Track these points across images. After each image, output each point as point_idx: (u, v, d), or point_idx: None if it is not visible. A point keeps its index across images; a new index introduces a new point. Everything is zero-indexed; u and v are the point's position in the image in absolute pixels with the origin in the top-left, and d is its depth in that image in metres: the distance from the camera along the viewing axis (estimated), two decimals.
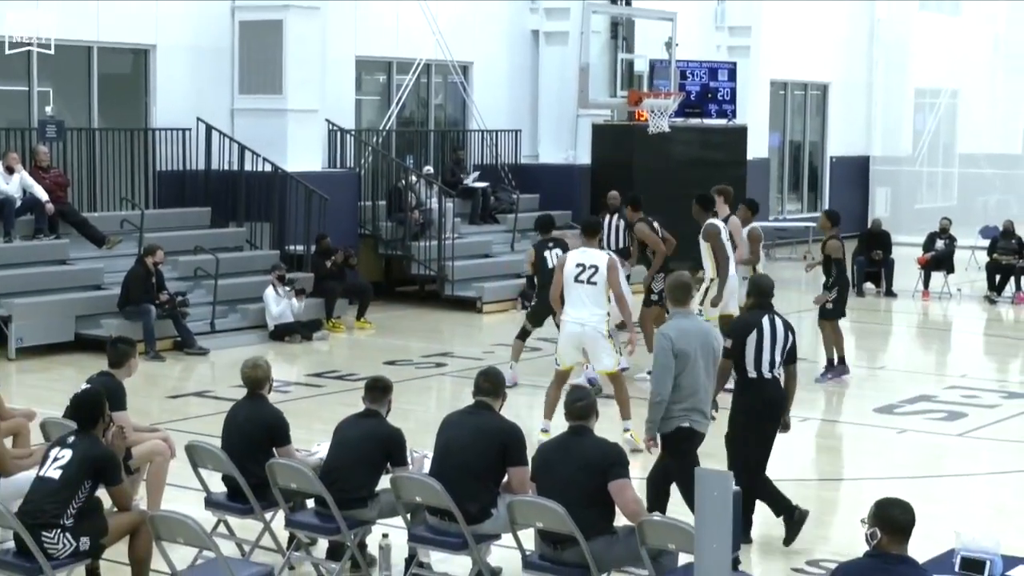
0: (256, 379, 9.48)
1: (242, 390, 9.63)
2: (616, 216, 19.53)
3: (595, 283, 12.95)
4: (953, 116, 36.40)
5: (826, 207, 30.05)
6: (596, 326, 12.96)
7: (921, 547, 6.91)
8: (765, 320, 10.05)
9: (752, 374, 10.00)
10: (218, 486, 9.54)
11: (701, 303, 14.85)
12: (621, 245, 19.48)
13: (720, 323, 14.54)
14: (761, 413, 10.03)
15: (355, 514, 8.92)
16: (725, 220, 16.10)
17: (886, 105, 35.55)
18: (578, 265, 13.03)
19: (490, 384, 8.94)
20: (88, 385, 9.53)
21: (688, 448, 9.78)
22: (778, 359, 10.03)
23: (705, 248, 15.41)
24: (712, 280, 15.38)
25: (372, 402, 9.25)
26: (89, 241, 18.83)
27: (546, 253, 15.57)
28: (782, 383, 10.18)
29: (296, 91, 21.22)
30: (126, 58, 21.42)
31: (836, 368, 16.81)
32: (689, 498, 9.08)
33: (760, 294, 10.28)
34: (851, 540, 8.98)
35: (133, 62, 21.35)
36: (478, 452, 8.61)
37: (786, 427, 10.24)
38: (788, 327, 10.16)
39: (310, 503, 9.28)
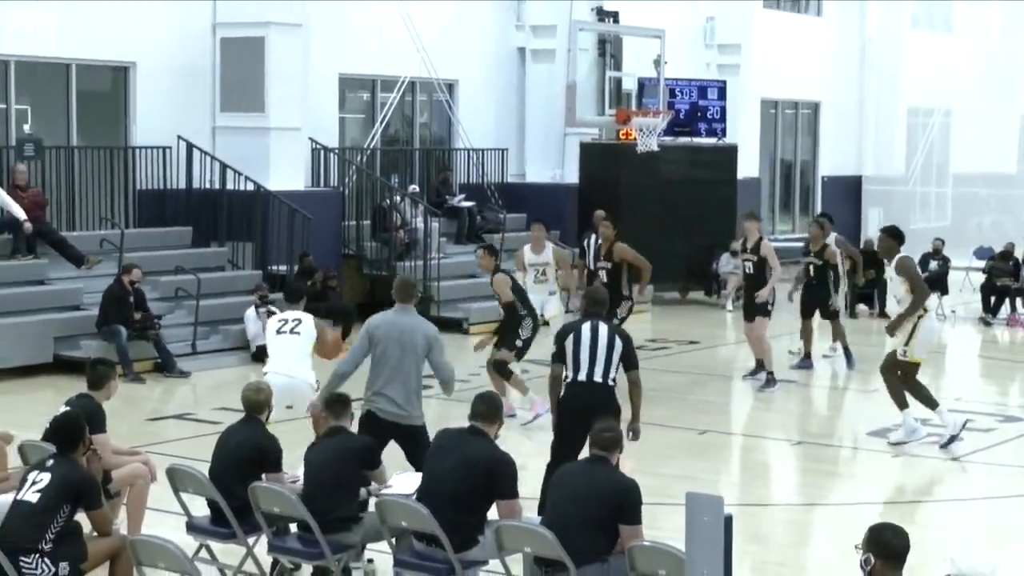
0: (257, 403, 9.49)
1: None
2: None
3: (298, 333, 12.66)
4: (946, 135, 36.51)
5: (818, 214, 30.15)
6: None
7: (916, 573, 6.91)
8: (586, 327, 10.61)
9: (569, 377, 10.58)
10: (200, 510, 9.52)
11: (907, 344, 13.96)
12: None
13: (910, 368, 14.17)
14: (571, 414, 10.53)
15: (339, 538, 8.89)
16: (757, 244, 16.70)
17: (878, 124, 35.64)
18: (280, 320, 12.82)
19: (487, 408, 8.90)
20: (67, 407, 9.50)
21: (369, 431, 10.12)
22: (599, 366, 10.49)
23: (900, 283, 14.06)
24: (918, 317, 13.96)
25: (336, 417, 9.26)
26: (68, 261, 18.79)
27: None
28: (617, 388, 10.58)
29: (278, 109, 21.24)
30: (106, 75, 21.41)
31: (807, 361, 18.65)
32: None
33: (590, 303, 10.96)
34: (846, 566, 8.97)
35: (113, 79, 21.34)
36: (466, 481, 8.55)
37: (635, 434, 10.66)
38: (616, 335, 10.57)
39: (293, 527, 9.26)
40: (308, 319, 12.82)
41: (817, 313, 18.84)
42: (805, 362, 18.92)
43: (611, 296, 15.49)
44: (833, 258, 18.71)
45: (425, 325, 10.68)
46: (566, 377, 10.65)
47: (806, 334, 18.91)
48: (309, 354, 12.80)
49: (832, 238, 18.72)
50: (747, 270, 17.58)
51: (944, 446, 14.20)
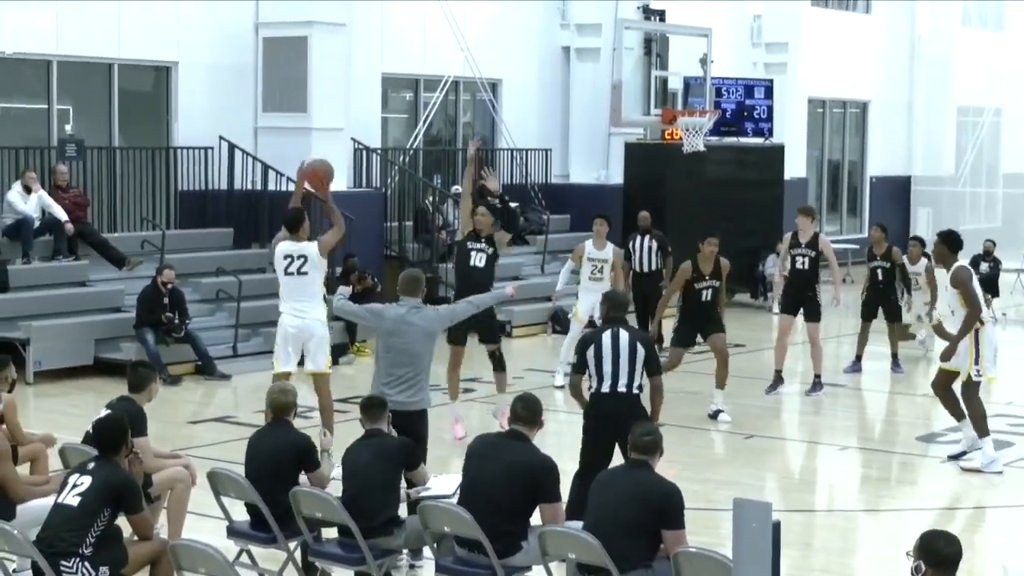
0: (285, 404, 9.49)
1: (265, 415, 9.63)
2: (648, 237, 19.55)
3: (305, 273, 13.19)
4: (997, 135, 36.29)
5: (869, 226, 30.02)
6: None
7: None
8: (606, 336, 10.55)
9: (593, 387, 10.55)
10: (240, 514, 9.54)
11: (976, 362, 13.36)
12: (653, 267, 19.49)
13: (947, 378, 13.69)
14: (596, 424, 10.57)
15: (380, 542, 8.89)
16: (814, 239, 16.89)
17: (927, 124, 35.47)
18: (286, 257, 13.28)
19: (527, 412, 8.89)
20: (108, 410, 9.54)
21: None
22: (623, 376, 10.45)
23: (954, 295, 13.37)
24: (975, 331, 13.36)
25: (372, 421, 9.29)
26: (109, 262, 18.90)
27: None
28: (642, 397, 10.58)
29: (321, 109, 21.28)
30: (147, 75, 21.52)
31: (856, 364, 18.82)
32: None
33: (611, 308, 10.85)
34: (896, 573, 8.90)
35: (155, 79, 21.45)
36: (508, 489, 8.52)
37: None
38: (638, 341, 10.52)
39: (331, 532, 9.25)
40: (311, 250, 13.19)
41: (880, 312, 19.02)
42: (856, 365, 18.85)
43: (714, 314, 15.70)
44: (899, 259, 19.03)
45: (433, 312, 10.92)
46: (590, 387, 10.63)
47: (863, 337, 18.96)
48: (319, 292, 13.36)
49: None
50: (801, 265, 17.17)
51: (955, 457, 13.87)
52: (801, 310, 17.07)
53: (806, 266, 17.12)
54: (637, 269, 19.56)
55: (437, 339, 10.81)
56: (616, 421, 10.23)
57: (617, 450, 10.27)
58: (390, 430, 9.43)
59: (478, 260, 14.87)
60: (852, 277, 26.19)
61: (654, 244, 19.62)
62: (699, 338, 15.97)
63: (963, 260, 13.67)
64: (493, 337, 15.21)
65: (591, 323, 16.82)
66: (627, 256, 19.69)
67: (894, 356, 18.99)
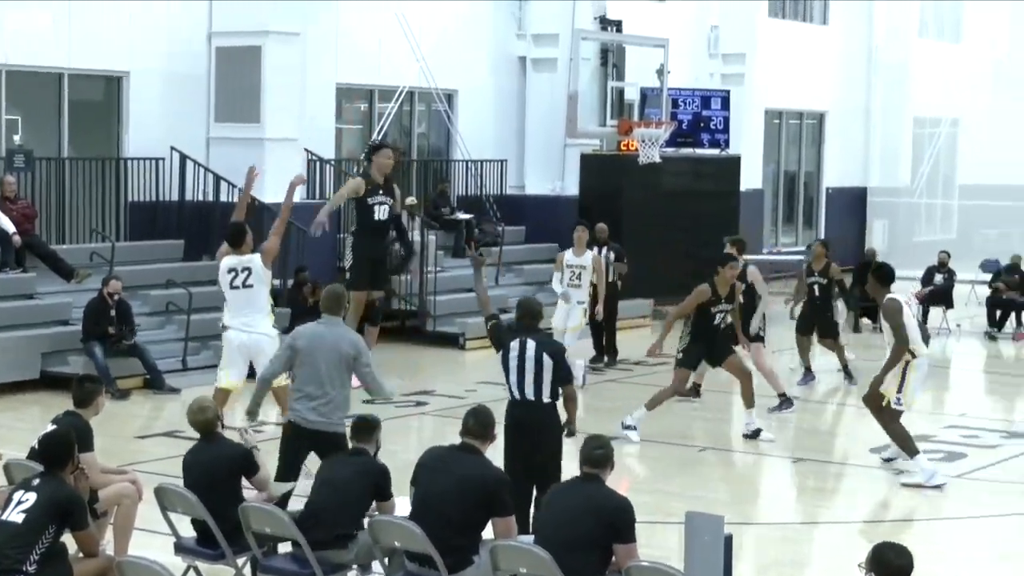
0: (208, 422, 9.52)
1: None
2: (606, 249, 19.65)
3: (251, 286, 13.40)
4: (953, 145, 36.54)
5: (821, 238, 30.21)
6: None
7: None
8: (515, 344, 10.55)
9: (507, 394, 10.63)
10: (188, 530, 9.50)
11: (899, 391, 13.54)
12: (610, 279, 19.60)
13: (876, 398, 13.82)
14: (508, 433, 10.50)
15: (332, 555, 8.88)
16: (744, 271, 16.65)
17: (884, 134, 35.66)
18: (230, 271, 13.44)
19: (479, 426, 8.89)
20: (54, 425, 9.49)
21: (286, 437, 10.60)
22: (528, 385, 10.45)
23: (886, 328, 13.71)
24: (905, 362, 13.55)
25: (359, 441, 9.30)
26: (57, 274, 18.78)
27: None
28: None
29: (274, 119, 21.23)
30: (98, 85, 21.42)
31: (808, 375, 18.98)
32: None
33: (522, 315, 10.84)
34: None
35: (105, 89, 21.35)
36: (460, 503, 8.53)
37: (571, 433, 10.77)
38: (545, 352, 10.47)
39: (283, 546, 9.23)
40: (255, 263, 13.21)
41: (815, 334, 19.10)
42: (808, 376, 18.95)
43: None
44: (837, 274, 19.14)
45: (350, 334, 10.78)
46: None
47: (803, 349, 19.06)
48: (265, 304, 13.54)
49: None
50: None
51: (887, 460, 14.24)
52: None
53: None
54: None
55: (350, 365, 10.50)
56: (525, 429, 10.37)
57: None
58: (377, 454, 9.39)
59: (381, 213, 15.18)
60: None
61: (612, 256, 19.72)
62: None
63: (896, 293, 13.84)
64: (381, 283, 15.62)
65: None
66: None
67: (844, 367, 19.05)
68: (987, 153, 35.65)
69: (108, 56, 20.74)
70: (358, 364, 10.53)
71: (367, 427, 9.36)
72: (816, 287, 18.91)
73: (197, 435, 9.62)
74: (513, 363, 10.55)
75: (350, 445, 9.42)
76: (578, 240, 18.21)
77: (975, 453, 15.05)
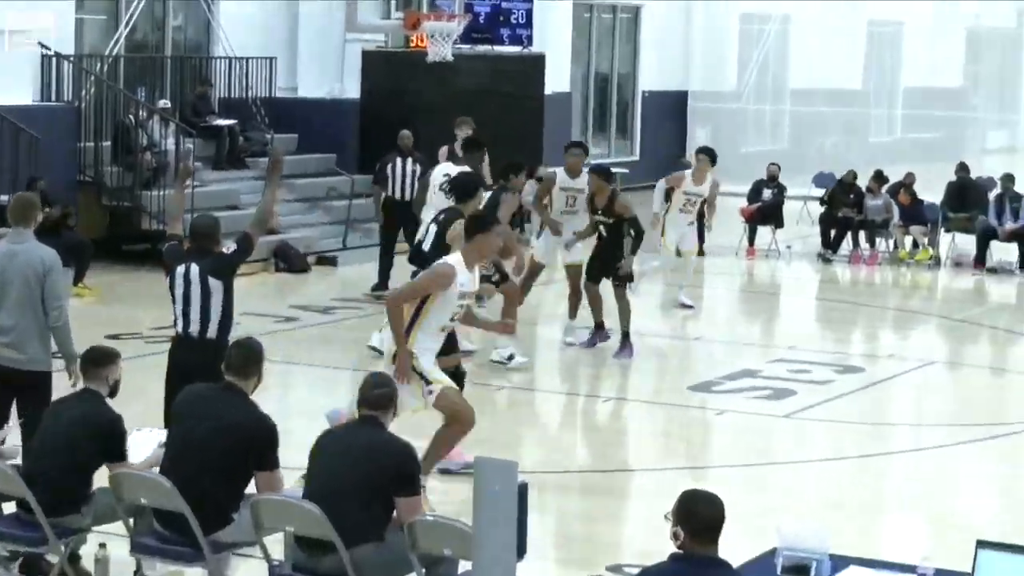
0: None
1: None
2: (410, 160, 19.62)
3: None
4: (784, 45, 36.96)
5: (635, 151, 30.49)
6: None
7: (737, 545, 6.99)
8: (179, 271, 10.34)
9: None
10: None
11: None
12: (413, 195, 19.34)
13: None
14: (168, 375, 10.38)
15: (64, 521, 8.70)
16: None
17: (707, 32, 35.89)
18: None
19: (241, 359, 8.67)
20: None
21: None
22: (193, 319, 10.28)
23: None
24: None
25: (89, 379, 9.00)
26: None
27: None
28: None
29: (1, 9, 20.67)
30: None
31: (600, 333, 16.95)
32: None
33: (193, 236, 10.59)
34: (658, 540, 9.05)
35: None
36: (220, 449, 8.40)
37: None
38: (211, 276, 10.22)
39: (7, 507, 9.03)
40: None
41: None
42: (600, 334, 17.09)
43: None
44: (626, 212, 16.53)
45: (42, 250, 10.20)
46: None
47: (594, 302, 16.90)
48: None
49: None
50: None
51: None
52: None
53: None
54: (395, 195, 19.60)
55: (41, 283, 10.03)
56: (188, 376, 9.62)
57: None
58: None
59: None
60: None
61: (417, 168, 19.60)
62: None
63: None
64: None
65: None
66: (377, 180, 19.79)
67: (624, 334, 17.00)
68: (822, 54, 36.13)
69: None
70: (48, 282, 9.98)
71: (98, 358, 9.03)
72: (602, 227, 16.69)
73: None
74: (179, 293, 10.31)
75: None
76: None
77: (805, 390, 15.33)
